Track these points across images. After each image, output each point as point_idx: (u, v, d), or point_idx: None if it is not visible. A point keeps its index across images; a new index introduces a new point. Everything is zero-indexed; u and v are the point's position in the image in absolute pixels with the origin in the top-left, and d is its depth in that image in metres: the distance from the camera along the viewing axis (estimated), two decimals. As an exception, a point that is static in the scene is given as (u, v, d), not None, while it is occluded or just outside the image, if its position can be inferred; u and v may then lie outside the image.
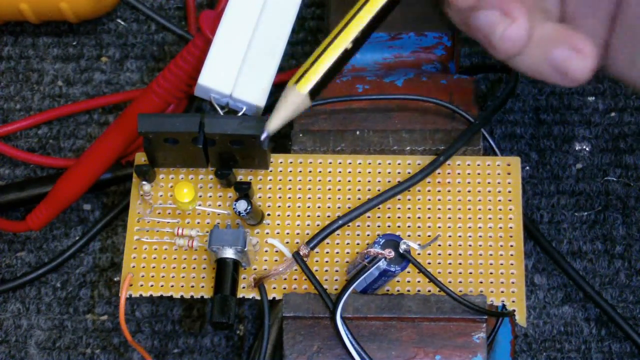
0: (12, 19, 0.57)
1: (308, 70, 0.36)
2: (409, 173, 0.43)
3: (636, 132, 0.54)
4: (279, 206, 0.43)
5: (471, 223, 0.42)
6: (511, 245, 0.42)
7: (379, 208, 0.43)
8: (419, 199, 0.43)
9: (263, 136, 0.37)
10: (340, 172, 0.44)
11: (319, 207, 0.43)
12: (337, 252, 0.42)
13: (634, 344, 0.49)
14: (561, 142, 0.54)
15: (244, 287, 0.41)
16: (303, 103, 0.37)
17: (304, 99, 0.37)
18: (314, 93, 0.37)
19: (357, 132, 0.45)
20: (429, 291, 0.41)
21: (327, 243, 0.42)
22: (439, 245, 0.42)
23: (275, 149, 0.45)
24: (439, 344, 0.40)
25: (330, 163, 0.44)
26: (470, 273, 0.42)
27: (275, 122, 0.37)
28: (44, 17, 0.56)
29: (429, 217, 0.43)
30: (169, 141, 0.41)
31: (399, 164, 0.44)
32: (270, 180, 0.43)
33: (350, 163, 0.44)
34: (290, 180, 0.43)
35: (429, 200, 0.43)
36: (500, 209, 0.43)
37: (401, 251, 0.38)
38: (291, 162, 0.44)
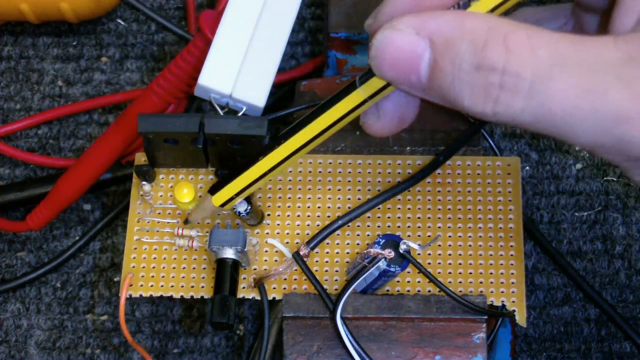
0: (12, 19, 0.57)
1: (226, 189, 0.40)
2: (409, 173, 0.43)
3: (636, 132, 0.54)
4: (279, 206, 0.43)
5: (471, 223, 0.42)
6: (511, 245, 0.42)
7: (379, 208, 0.43)
8: (419, 199, 0.43)
9: (193, 222, 0.42)
10: (340, 172, 0.44)
11: (319, 207, 0.43)
12: (337, 252, 0.42)
13: (634, 344, 0.49)
14: (561, 142, 0.54)
15: (244, 287, 0.41)
16: (216, 209, 0.41)
17: (217, 208, 0.41)
18: (225, 205, 0.40)
19: (357, 132, 0.45)
20: (429, 291, 0.41)
21: (327, 243, 0.42)
22: (439, 245, 0.42)
23: (276, 149, 0.45)
24: (439, 344, 0.40)
25: (330, 163, 0.44)
26: (470, 273, 0.42)
27: (195, 217, 0.42)
28: (44, 17, 0.56)
29: (429, 217, 0.43)
30: (169, 141, 0.41)
31: (399, 164, 0.44)
32: (270, 180, 0.43)
33: (350, 163, 0.44)
34: (290, 180, 0.43)
35: (429, 200, 0.43)
36: (500, 209, 0.43)
37: (401, 251, 0.38)
38: (291, 162, 0.44)
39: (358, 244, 0.42)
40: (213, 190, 0.40)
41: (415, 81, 0.31)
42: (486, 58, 0.29)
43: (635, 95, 0.29)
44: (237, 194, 0.40)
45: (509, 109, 0.30)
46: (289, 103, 0.52)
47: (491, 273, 0.42)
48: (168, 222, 0.43)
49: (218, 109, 0.44)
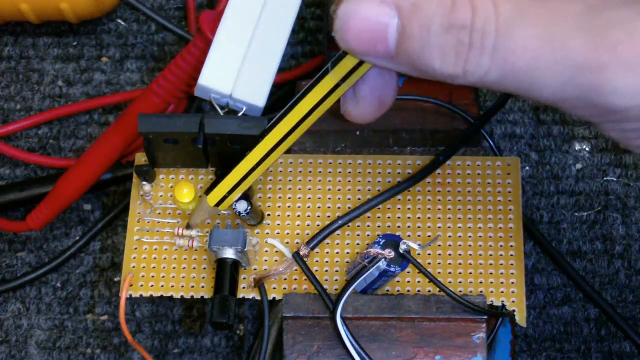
0: (12, 19, 0.57)
1: (218, 187, 0.40)
2: (409, 173, 0.43)
3: (636, 132, 0.54)
4: (279, 206, 0.43)
5: (471, 223, 0.42)
6: (511, 245, 0.42)
7: (379, 208, 0.43)
8: (419, 199, 0.43)
9: (193, 225, 0.43)
10: (340, 172, 0.44)
11: (319, 207, 0.43)
12: (337, 252, 0.42)
13: (634, 344, 0.49)
14: (561, 142, 0.54)
15: (244, 287, 0.41)
16: (213, 210, 0.41)
17: (214, 209, 0.41)
18: (220, 204, 0.40)
19: (357, 132, 0.45)
20: (429, 291, 0.41)
21: (327, 243, 0.42)
22: (439, 245, 0.42)
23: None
24: (439, 344, 0.40)
25: (330, 163, 0.44)
26: (470, 273, 0.42)
27: (195, 219, 0.42)
28: (44, 17, 0.56)
29: (429, 217, 0.43)
30: (169, 141, 0.41)
31: (399, 164, 0.44)
32: (270, 180, 0.43)
33: (350, 163, 0.44)
34: (290, 180, 0.43)
35: (429, 200, 0.43)
36: (500, 209, 0.43)
37: (401, 251, 0.38)
38: (291, 162, 0.44)
39: (358, 244, 0.42)
40: (208, 190, 0.40)
41: (383, 50, 0.31)
42: (455, 18, 0.29)
43: (596, 43, 0.29)
44: (230, 192, 0.40)
45: (477, 68, 0.30)
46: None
47: (491, 273, 0.42)
48: (168, 222, 0.43)
49: (218, 109, 0.44)
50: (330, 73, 0.35)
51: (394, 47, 0.31)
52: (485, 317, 0.40)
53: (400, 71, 0.32)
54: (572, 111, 0.31)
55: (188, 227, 0.42)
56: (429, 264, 0.42)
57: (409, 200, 0.43)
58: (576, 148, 0.54)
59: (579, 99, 0.30)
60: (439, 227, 0.42)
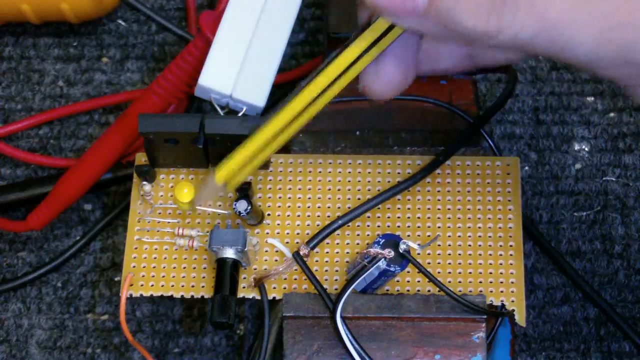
0: (13, 19, 0.57)
1: (227, 164, 0.38)
2: (409, 173, 0.43)
3: (635, 132, 0.54)
4: (279, 206, 0.43)
5: (471, 223, 0.43)
6: (511, 245, 0.42)
7: (379, 208, 0.43)
8: (419, 199, 0.43)
9: (197, 205, 0.42)
10: (340, 172, 0.44)
11: (319, 207, 0.43)
12: (337, 252, 0.42)
13: (633, 344, 0.49)
14: (560, 142, 0.54)
15: (244, 287, 0.41)
16: (220, 189, 0.39)
17: (221, 186, 0.39)
18: (227, 182, 0.39)
19: (357, 132, 0.45)
20: (429, 291, 0.41)
21: (327, 243, 0.42)
22: (439, 245, 0.42)
23: (276, 149, 0.45)
24: (439, 344, 0.40)
25: (330, 163, 0.44)
26: (470, 273, 0.42)
27: (200, 198, 0.42)
28: (44, 18, 0.56)
29: (429, 217, 0.43)
30: (170, 141, 0.41)
31: (399, 164, 0.44)
32: (270, 180, 0.44)
33: (350, 163, 0.44)
34: (290, 180, 0.44)
35: (429, 200, 0.43)
36: (499, 209, 0.43)
37: (401, 251, 0.38)
38: (291, 162, 0.44)
39: (358, 244, 0.42)
40: (218, 167, 0.39)
41: (412, 8, 0.31)
42: None
43: (633, 1, 0.29)
44: (241, 169, 0.39)
45: (512, 25, 0.29)
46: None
47: (491, 273, 0.42)
48: (168, 222, 0.43)
49: (218, 109, 0.45)
50: (352, 45, 0.35)
51: (424, 4, 0.30)
52: (485, 316, 0.40)
53: (429, 32, 0.31)
54: (605, 72, 0.31)
55: (195, 205, 0.42)
56: (429, 263, 0.42)
57: (409, 200, 0.43)
58: (575, 148, 0.54)
59: (613, 58, 0.30)
60: (439, 227, 0.43)
